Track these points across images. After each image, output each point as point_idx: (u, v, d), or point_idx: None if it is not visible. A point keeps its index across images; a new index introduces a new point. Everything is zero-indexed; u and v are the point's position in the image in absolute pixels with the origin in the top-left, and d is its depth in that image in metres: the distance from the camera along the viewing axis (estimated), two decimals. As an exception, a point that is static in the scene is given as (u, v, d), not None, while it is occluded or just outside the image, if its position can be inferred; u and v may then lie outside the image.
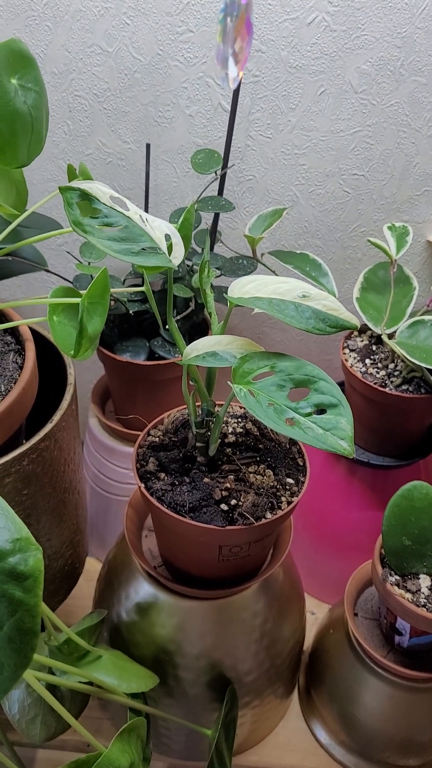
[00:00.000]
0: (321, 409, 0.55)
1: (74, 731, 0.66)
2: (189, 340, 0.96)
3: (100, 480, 1.05)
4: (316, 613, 1.09)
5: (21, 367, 0.64)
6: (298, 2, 0.83)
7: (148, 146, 0.89)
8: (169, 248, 0.57)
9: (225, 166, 0.86)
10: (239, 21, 0.51)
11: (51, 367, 0.75)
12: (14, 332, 0.69)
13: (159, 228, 0.57)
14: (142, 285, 0.98)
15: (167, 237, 0.57)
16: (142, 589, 0.76)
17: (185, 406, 0.74)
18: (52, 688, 0.69)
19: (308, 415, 0.54)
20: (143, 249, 0.54)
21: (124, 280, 0.95)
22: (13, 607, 0.36)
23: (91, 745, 0.87)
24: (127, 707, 0.68)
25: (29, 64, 0.51)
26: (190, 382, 0.63)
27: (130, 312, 0.90)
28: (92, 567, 1.06)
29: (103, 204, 0.56)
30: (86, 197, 0.55)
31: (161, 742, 0.84)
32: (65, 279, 0.93)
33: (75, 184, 0.55)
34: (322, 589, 1.10)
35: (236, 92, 0.81)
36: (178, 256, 0.57)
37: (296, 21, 0.84)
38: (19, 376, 0.62)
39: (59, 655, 0.66)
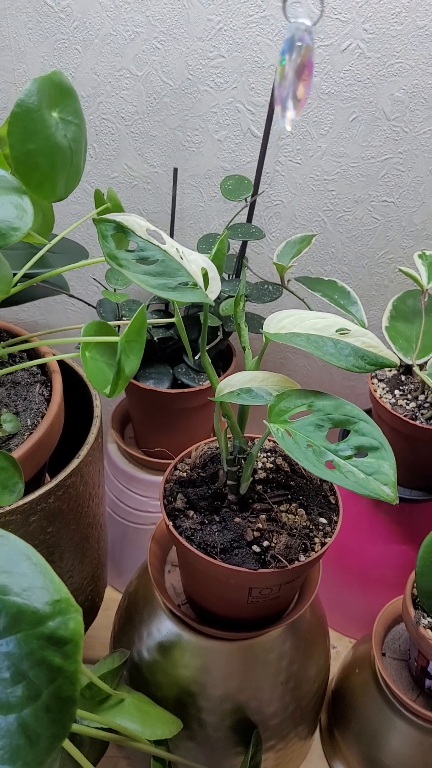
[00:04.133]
0: (362, 452, 0.53)
1: (94, 777, 0.64)
2: (213, 367, 0.95)
3: (119, 507, 1.03)
4: (337, 647, 1.06)
5: (47, 400, 0.62)
6: (332, 29, 0.82)
7: (175, 171, 0.88)
8: (206, 282, 0.55)
9: (255, 192, 0.84)
10: (300, 63, 0.49)
11: (75, 394, 0.73)
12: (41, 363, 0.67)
13: (195, 262, 0.56)
14: (165, 309, 0.96)
15: (203, 270, 0.55)
16: (165, 628, 0.73)
17: (213, 438, 0.72)
18: (72, 733, 0.67)
19: (349, 458, 0.52)
20: (180, 284, 0.53)
21: (148, 306, 0.93)
22: (53, 675, 0.34)
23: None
24: (150, 755, 0.66)
25: (69, 96, 0.50)
26: (223, 418, 0.61)
27: (155, 339, 0.88)
28: (109, 596, 1.03)
29: (140, 237, 0.54)
30: (122, 230, 0.54)
31: (181, 786, 0.81)
32: (88, 303, 0.91)
33: (111, 216, 0.53)
34: (343, 623, 1.07)
35: (269, 119, 0.80)
36: (214, 290, 0.55)
37: (330, 48, 0.83)
38: (46, 409, 0.60)
39: (81, 700, 0.64)
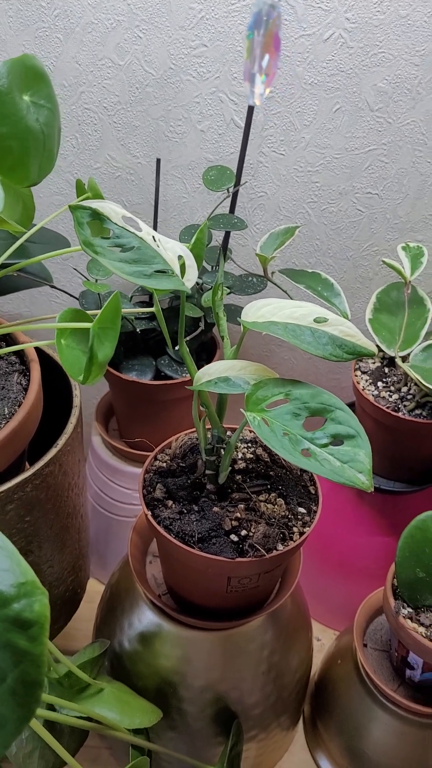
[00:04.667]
0: (338, 440, 0.53)
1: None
2: (196, 359, 0.94)
3: (102, 500, 1.02)
4: (321, 639, 1.06)
5: (25, 389, 0.62)
6: (315, 18, 0.81)
7: (158, 161, 0.88)
8: (182, 270, 0.55)
9: (238, 183, 0.84)
10: (267, 36, 0.49)
11: (55, 385, 0.72)
12: (19, 351, 0.66)
13: (172, 249, 0.55)
14: (149, 301, 0.96)
15: (180, 258, 0.55)
16: (146, 618, 0.73)
17: (193, 429, 0.72)
18: (51, 723, 0.67)
19: (325, 446, 0.52)
20: (156, 271, 0.52)
21: (131, 297, 0.93)
22: (17, 658, 0.34)
23: (89, 778, 0.84)
24: (129, 744, 0.66)
25: (42, 81, 0.49)
26: (201, 408, 0.61)
27: (137, 330, 0.88)
28: (92, 588, 1.03)
29: (115, 224, 0.54)
30: (97, 217, 0.53)
31: (163, 776, 0.81)
32: (71, 295, 0.91)
33: (86, 203, 0.53)
34: (327, 615, 1.07)
35: (250, 108, 0.79)
36: (191, 278, 0.55)
37: (312, 37, 0.83)
38: (23, 398, 0.60)
39: (59, 689, 0.64)
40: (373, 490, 0.50)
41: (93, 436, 1.04)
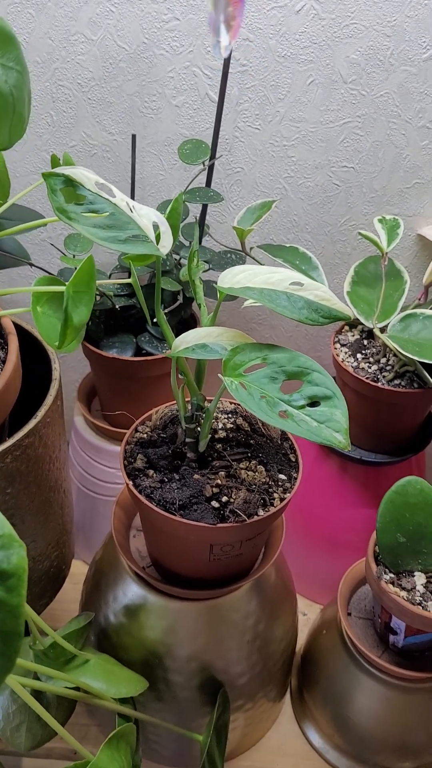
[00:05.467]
0: (315, 402, 0.53)
1: (61, 739, 0.64)
2: (177, 336, 0.94)
3: (87, 480, 1.02)
4: (307, 614, 1.07)
5: (3, 361, 0.62)
6: (286, -11, 0.81)
7: (133, 137, 0.88)
8: (157, 237, 0.55)
9: (213, 156, 0.84)
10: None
11: (36, 366, 0.72)
12: (-4, 326, 0.66)
13: (147, 216, 0.55)
14: (128, 279, 0.96)
15: (155, 225, 0.55)
16: (131, 591, 0.73)
17: (174, 401, 0.72)
18: (38, 695, 0.67)
19: (302, 407, 0.52)
20: (130, 237, 0.52)
21: (110, 275, 0.93)
22: (-5, 609, 0.34)
23: (78, 753, 0.84)
24: (116, 713, 0.66)
25: (11, 43, 0.49)
26: (179, 376, 0.62)
27: (117, 307, 0.88)
28: (78, 570, 1.03)
29: (89, 190, 0.53)
30: (71, 183, 0.53)
31: (151, 748, 0.82)
32: (49, 273, 0.90)
33: (59, 170, 0.52)
34: (313, 590, 1.08)
35: (224, 81, 0.79)
36: (166, 244, 0.55)
37: (284, 9, 0.83)
38: (1, 370, 0.60)
39: (45, 660, 0.64)
40: (350, 448, 0.50)
41: (76, 416, 1.04)
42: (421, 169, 0.94)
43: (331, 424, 0.51)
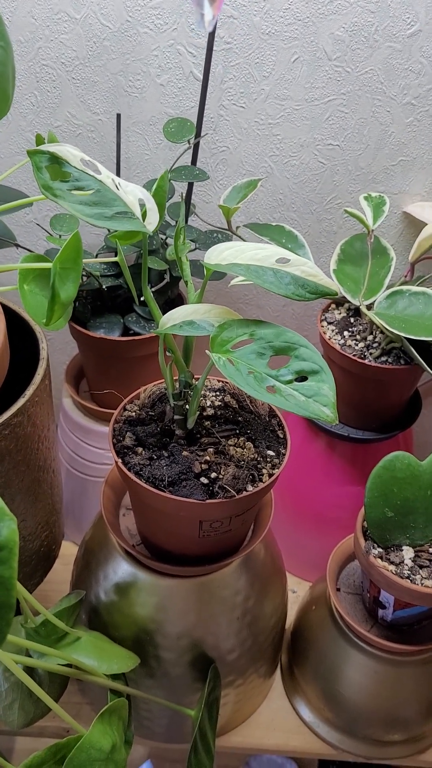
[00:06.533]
0: (302, 376, 0.53)
1: (53, 717, 0.65)
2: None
3: (75, 461, 1.03)
4: (296, 591, 1.08)
5: (-9, 341, 0.62)
6: (270, -35, 0.81)
7: (118, 117, 0.87)
8: (144, 214, 0.55)
9: (198, 134, 0.84)
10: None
11: (25, 350, 0.72)
12: (-17, 306, 0.66)
13: (132, 193, 0.55)
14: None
15: (141, 202, 0.55)
16: (121, 569, 0.74)
17: (161, 380, 0.72)
18: (30, 673, 0.68)
19: (289, 382, 0.53)
20: (116, 214, 0.52)
21: (97, 255, 0.92)
22: (-13, 581, 0.34)
23: (70, 731, 0.85)
24: (108, 689, 0.67)
25: (-8, 17, 0.49)
26: (167, 353, 0.62)
27: (104, 287, 0.87)
28: (68, 551, 1.03)
29: (74, 167, 0.53)
30: (56, 161, 0.53)
31: (143, 725, 0.82)
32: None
33: (44, 147, 0.52)
34: (302, 567, 1.09)
35: (208, 59, 0.79)
36: (152, 221, 0.55)
37: (268, -15, 0.82)
38: (-11, 350, 0.60)
39: (37, 638, 0.64)
40: (337, 422, 0.51)
41: (64, 397, 1.04)
42: (406, 146, 0.94)
43: (318, 398, 0.52)
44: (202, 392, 0.70)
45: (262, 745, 0.88)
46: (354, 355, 0.85)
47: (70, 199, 0.52)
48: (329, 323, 0.91)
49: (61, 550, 0.85)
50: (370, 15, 0.84)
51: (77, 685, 0.90)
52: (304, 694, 0.89)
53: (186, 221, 0.91)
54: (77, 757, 0.53)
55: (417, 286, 0.82)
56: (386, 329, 0.78)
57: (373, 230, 0.86)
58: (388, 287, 0.85)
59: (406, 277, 0.87)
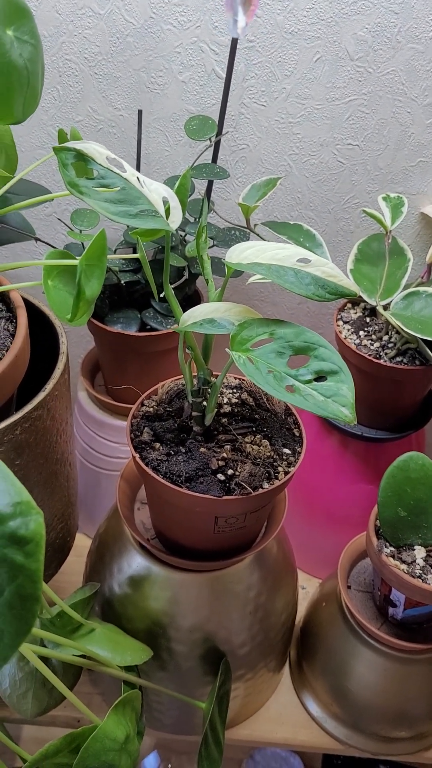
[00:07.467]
0: (321, 376, 0.54)
1: (65, 707, 0.65)
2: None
3: (90, 454, 1.03)
4: (306, 588, 1.08)
5: (12, 335, 0.62)
6: (294, -35, 0.81)
7: (140, 113, 0.88)
8: (167, 212, 0.55)
9: (219, 133, 0.84)
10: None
11: (43, 342, 0.73)
12: (4, 299, 0.67)
13: (156, 191, 0.56)
14: (133, 253, 0.96)
15: (165, 200, 0.56)
16: (135, 562, 0.75)
17: (179, 376, 0.72)
18: (44, 662, 0.69)
19: (308, 382, 0.53)
20: (141, 212, 0.53)
21: (116, 250, 0.93)
22: (14, 573, 0.35)
23: (81, 720, 0.86)
24: (121, 681, 0.68)
25: (25, 16, 0.49)
26: (187, 350, 0.62)
27: (122, 282, 0.88)
28: (81, 543, 1.04)
29: (100, 165, 0.54)
30: (82, 158, 0.54)
31: (153, 716, 0.83)
32: (55, 248, 0.91)
33: (70, 144, 0.53)
34: (312, 564, 1.10)
35: (231, 57, 0.79)
36: (175, 219, 0.56)
37: (292, -16, 0.82)
38: (11, 343, 0.61)
39: (52, 629, 0.65)
40: (356, 422, 0.51)
41: (79, 391, 1.05)
42: (425, 147, 0.94)
43: (337, 398, 0.52)
44: (219, 389, 0.71)
45: (270, 738, 0.89)
46: (369, 355, 0.85)
47: (95, 197, 0.52)
48: (345, 322, 0.91)
49: (74, 541, 0.86)
50: (393, 16, 0.84)
51: (88, 676, 0.91)
52: (312, 689, 0.90)
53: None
54: (92, 747, 0.54)
55: (434, 287, 0.82)
56: (402, 330, 0.79)
57: (390, 231, 0.86)
58: (405, 288, 0.85)
59: (423, 278, 0.87)
